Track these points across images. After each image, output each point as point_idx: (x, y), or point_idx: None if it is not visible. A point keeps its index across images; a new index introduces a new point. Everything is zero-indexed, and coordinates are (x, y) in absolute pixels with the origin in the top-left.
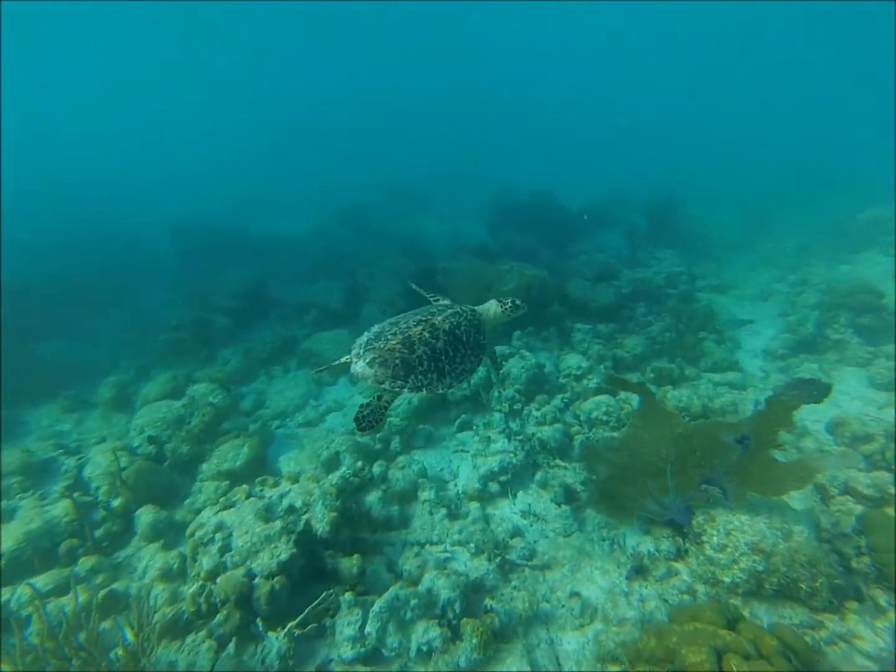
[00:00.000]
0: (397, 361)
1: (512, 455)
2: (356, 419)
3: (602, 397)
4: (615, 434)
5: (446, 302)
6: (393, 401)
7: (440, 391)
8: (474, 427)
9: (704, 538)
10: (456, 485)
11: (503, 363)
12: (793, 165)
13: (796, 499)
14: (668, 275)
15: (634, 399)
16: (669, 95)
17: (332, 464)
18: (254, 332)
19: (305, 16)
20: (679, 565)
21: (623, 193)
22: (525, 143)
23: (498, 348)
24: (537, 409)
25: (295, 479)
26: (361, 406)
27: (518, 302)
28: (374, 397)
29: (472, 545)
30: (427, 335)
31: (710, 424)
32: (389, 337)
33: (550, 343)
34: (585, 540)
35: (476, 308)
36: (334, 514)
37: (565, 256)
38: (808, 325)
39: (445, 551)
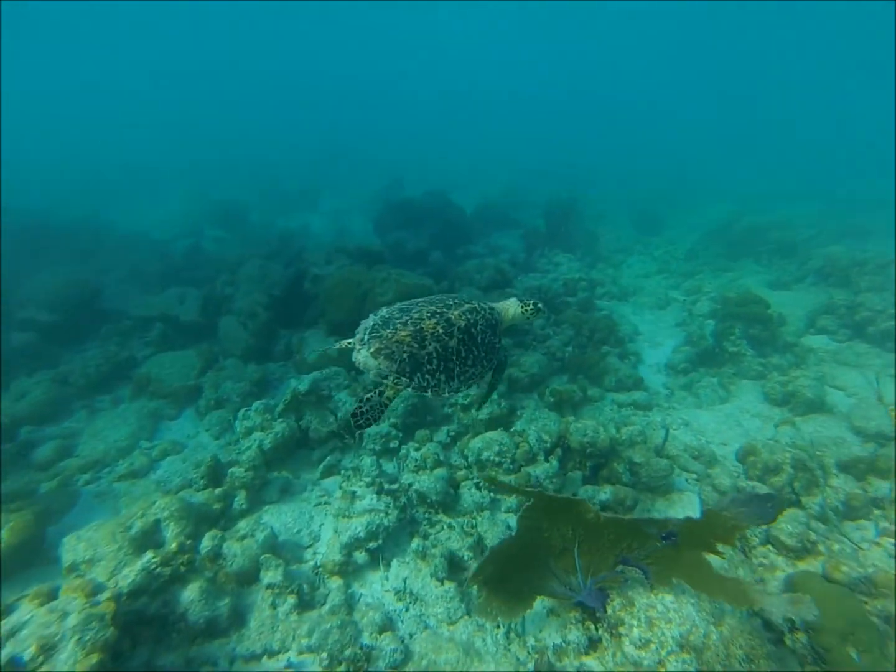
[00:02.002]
0: (405, 356)
1: (383, 515)
2: (353, 414)
3: (494, 433)
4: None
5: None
6: (395, 397)
7: (446, 395)
8: (342, 472)
9: (622, 630)
10: (315, 552)
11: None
12: (683, 169)
13: None
14: (567, 281)
15: (532, 436)
16: (572, 98)
17: (145, 539)
18: (75, 353)
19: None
20: (591, 660)
21: (522, 194)
22: (422, 139)
23: None
24: (416, 450)
25: (82, 571)
26: (360, 401)
27: (540, 305)
28: (374, 391)
29: (325, 654)
30: (441, 331)
31: (630, 519)
32: (399, 326)
33: None
34: (475, 629)
35: (495, 306)
36: (96, 655)
37: (457, 259)
38: (708, 337)
39: (289, 666)
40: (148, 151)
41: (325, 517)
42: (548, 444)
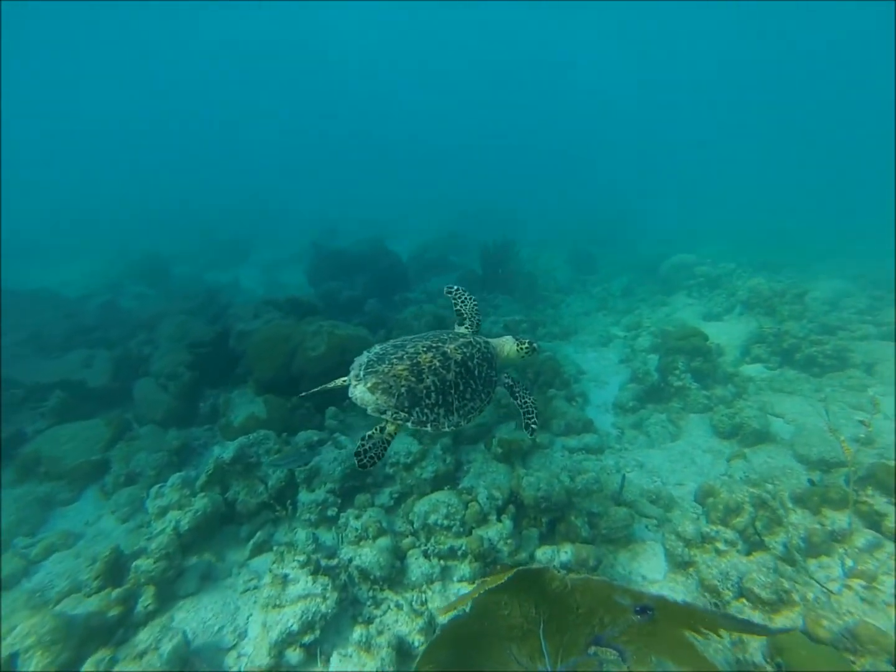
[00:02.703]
0: (402, 390)
1: (320, 600)
2: (357, 453)
3: (440, 494)
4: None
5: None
6: (396, 433)
7: (446, 430)
8: (275, 548)
9: None
10: (240, 654)
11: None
12: (612, 211)
13: None
14: (507, 323)
15: (482, 494)
16: (505, 142)
17: None
18: None
19: None
20: None
21: (460, 237)
22: (356, 186)
23: (305, 434)
24: (356, 517)
25: None
26: (363, 438)
27: (535, 345)
28: (375, 429)
29: None
30: (437, 364)
31: (600, 584)
32: (395, 361)
33: None
34: None
35: (490, 341)
36: None
37: (394, 307)
38: (653, 373)
39: None
40: (64, 201)
41: (254, 607)
42: (499, 502)
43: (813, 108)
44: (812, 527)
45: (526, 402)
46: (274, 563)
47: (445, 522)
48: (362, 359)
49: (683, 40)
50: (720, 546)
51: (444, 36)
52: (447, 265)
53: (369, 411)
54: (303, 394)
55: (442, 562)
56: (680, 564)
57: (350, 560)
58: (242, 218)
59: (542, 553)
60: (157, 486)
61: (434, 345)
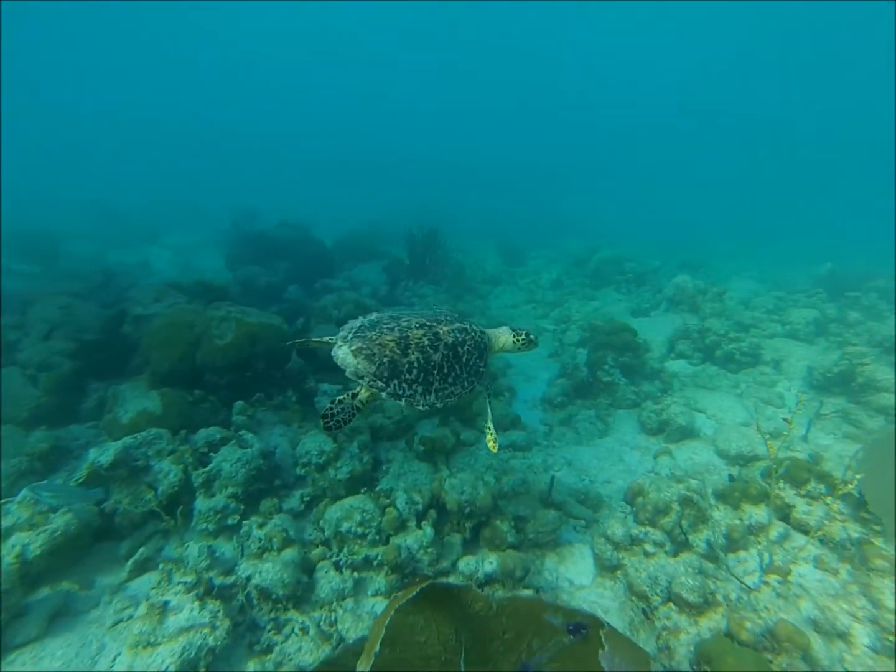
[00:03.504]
0: (385, 360)
1: (207, 631)
2: (324, 415)
3: (355, 499)
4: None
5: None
6: (368, 402)
7: (420, 407)
8: (161, 566)
9: None
10: None
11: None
12: (540, 205)
13: (614, 613)
14: None
15: (400, 498)
16: (432, 126)
17: None
18: None
19: None
20: None
21: (388, 226)
22: (280, 169)
23: (206, 431)
24: (260, 527)
25: None
26: (332, 402)
27: (532, 337)
28: (347, 393)
29: None
30: (426, 342)
31: (529, 602)
32: (385, 331)
33: (289, 413)
34: None
35: (487, 331)
36: None
37: (315, 294)
38: (582, 368)
39: None
40: None
41: (123, 644)
42: (419, 506)
43: (726, 116)
44: (732, 523)
45: (488, 408)
46: (155, 586)
47: (360, 530)
48: (355, 322)
49: (619, 38)
50: (648, 548)
51: (372, 33)
52: (374, 253)
53: (347, 373)
54: (288, 342)
55: (355, 574)
56: (608, 568)
57: (248, 578)
58: (157, 196)
59: (466, 564)
60: (4, 501)
61: (427, 323)
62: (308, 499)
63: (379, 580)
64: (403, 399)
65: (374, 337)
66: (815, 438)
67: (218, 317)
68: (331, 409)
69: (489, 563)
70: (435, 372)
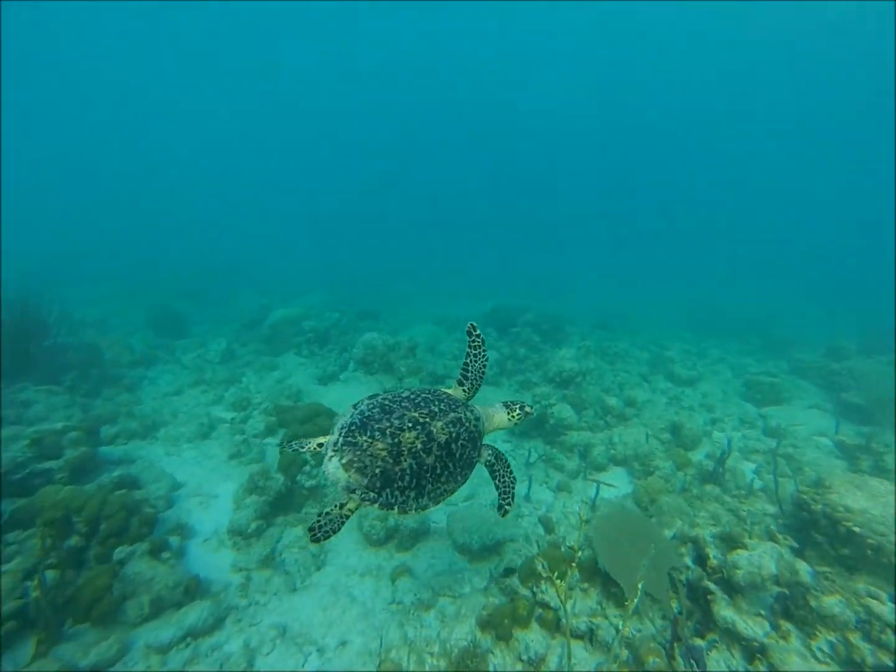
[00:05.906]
0: (377, 471)
1: None
2: (311, 528)
3: None
4: None
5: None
6: (357, 510)
7: (412, 513)
8: None
9: None
10: None
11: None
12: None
13: None
14: (41, 435)
15: None
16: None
17: None
18: None
19: None
20: None
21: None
22: None
23: None
24: None
25: None
26: (319, 515)
27: (528, 409)
28: (334, 505)
29: None
30: (419, 446)
31: None
32: (377, 434)
33: None
34: None
35: (480, 414)
36: None
37: None
38: (276, 475)
39: None
40: None
41: None
42: None
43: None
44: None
45: (505, 482)
46: None
47: None
48: (345, 419)
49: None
50: None
51: None
52: None
53: (338, 488)
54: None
55: None
56: None
57: None
58: None
59: None
60: None
61: (421, 420)
62: None
63: None
64: (395, 507)
65: (366, 444)
66: (536, 494)
67: None
68: (318, 521)
69: None
70: (428, 475)
